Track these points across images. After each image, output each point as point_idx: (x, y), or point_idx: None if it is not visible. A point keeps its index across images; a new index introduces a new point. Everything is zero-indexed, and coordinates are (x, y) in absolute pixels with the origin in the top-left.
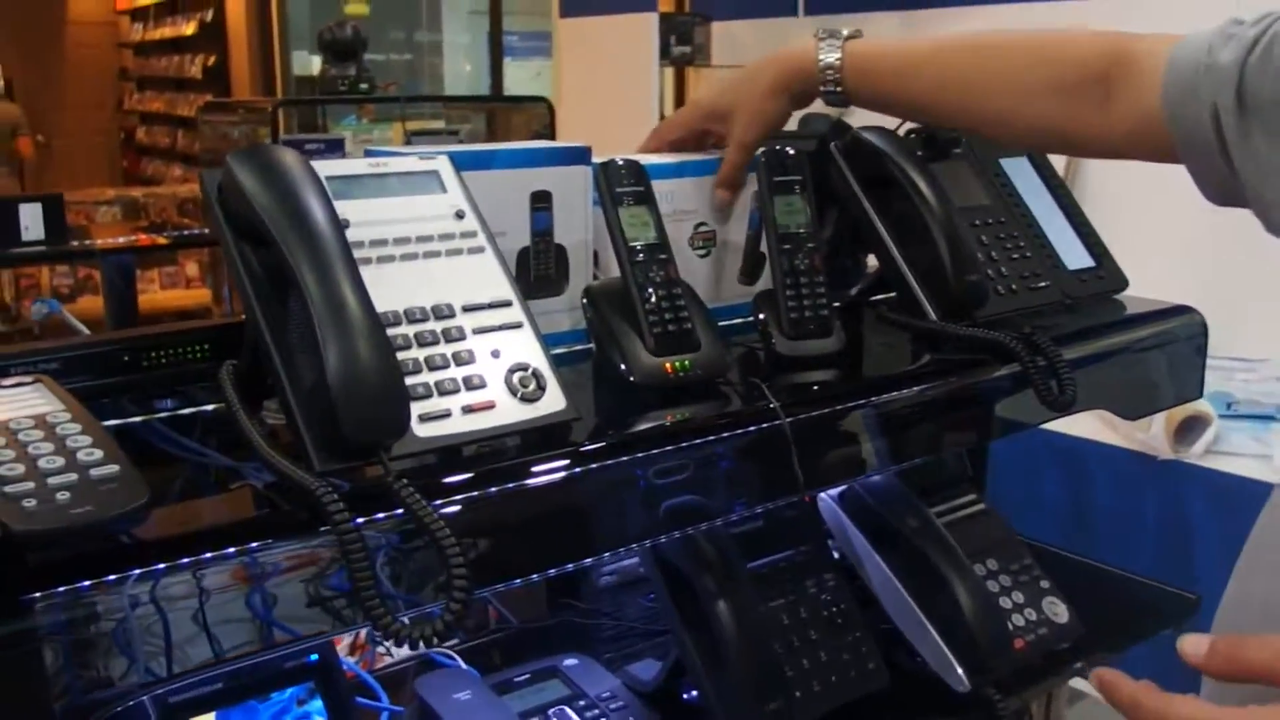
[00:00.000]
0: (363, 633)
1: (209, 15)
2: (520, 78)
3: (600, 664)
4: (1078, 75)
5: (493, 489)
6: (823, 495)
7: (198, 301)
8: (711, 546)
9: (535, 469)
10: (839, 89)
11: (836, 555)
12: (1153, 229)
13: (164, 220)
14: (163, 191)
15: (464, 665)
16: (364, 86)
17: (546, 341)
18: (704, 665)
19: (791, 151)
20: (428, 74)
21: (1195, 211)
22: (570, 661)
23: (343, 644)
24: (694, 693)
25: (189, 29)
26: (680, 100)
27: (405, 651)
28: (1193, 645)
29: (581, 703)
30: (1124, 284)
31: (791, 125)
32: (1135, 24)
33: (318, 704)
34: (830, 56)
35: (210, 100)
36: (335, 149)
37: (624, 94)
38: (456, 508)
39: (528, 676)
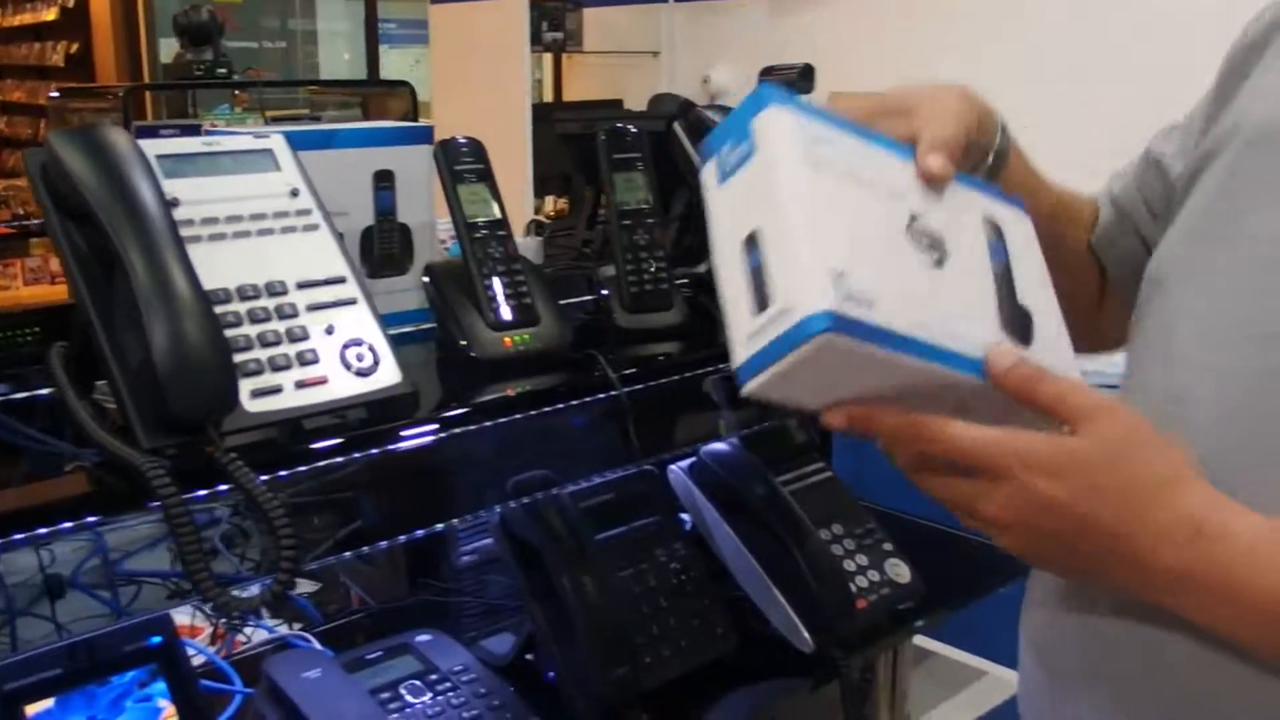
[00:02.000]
0: (222, 621)
1: (71, 1)
2: (399, 65)
3: (454, 639)
4: None
5: (324, 461)
6: (672, 466)
7: (64, 297)
8: (559, 519)
9: (367, 441)
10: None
11: (689, 525)
12: None
13: (26, 213)
14: (24, 184)
15: (319, 646)
16: (222, 71)
17: (388, 319)
18: (553, 635)
19: (633, 129)
20: (302, 62)
21: None
22: (423, 637)
23: (204, 634)
24: (548, 664)
25: (50, 15)
26: (559, 86)
27: (263, 635)
28: (1000, 358)
29: (433, 677)
30: None
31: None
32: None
33: (160, 686)
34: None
35: (60, 87)
36: (192, 135)
37: (497, 80)
38: (287, 481)
39: (380, 654)
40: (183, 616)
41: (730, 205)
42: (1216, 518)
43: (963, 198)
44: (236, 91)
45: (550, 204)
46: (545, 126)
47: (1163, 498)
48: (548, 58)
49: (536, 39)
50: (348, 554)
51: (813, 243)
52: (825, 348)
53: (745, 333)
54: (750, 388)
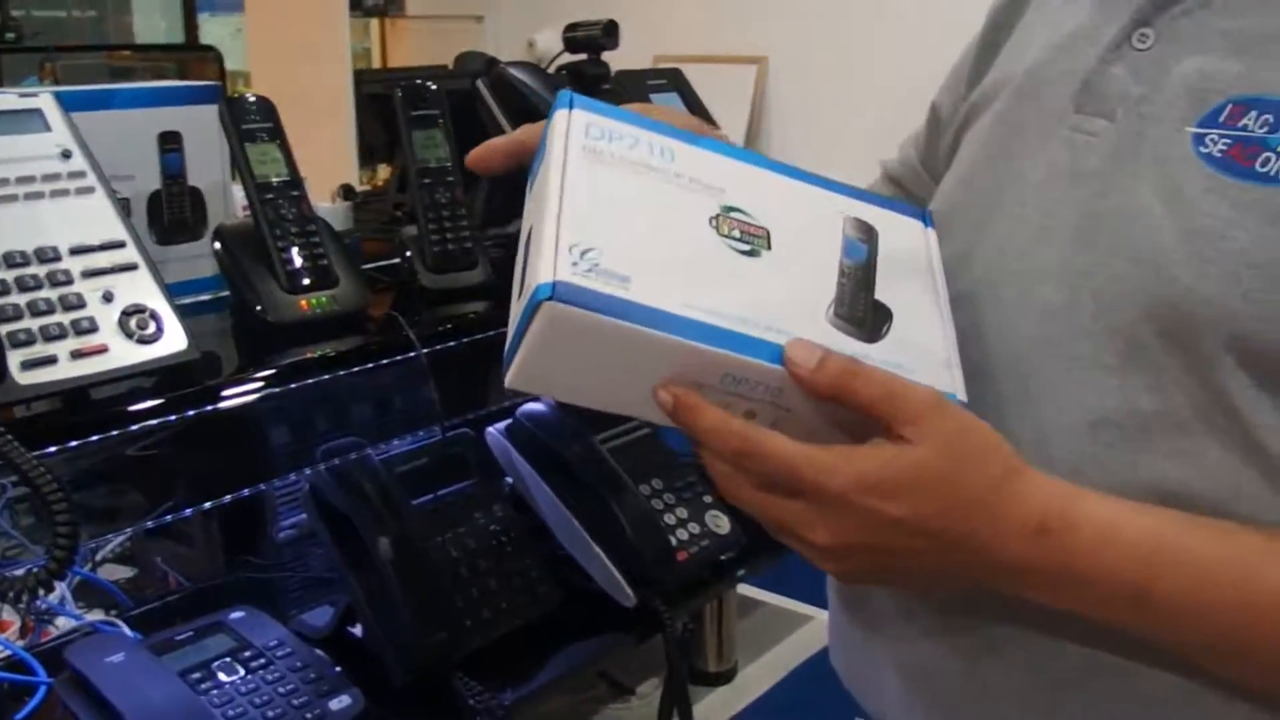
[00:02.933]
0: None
1: None
2: (219, 35)
3: (270, 615)
4: None
5: (112, 432)
6: (490, 429)
7: None
8: (372, 484)
9: (147, 410)
10: None
11: (509, 487)
12: None
13: None
14: None
15: (128, 631)
16: (11, 36)
17: (183, 287)
18: (369, 603)
19: (431, 86)
20: (115, 33)
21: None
22: (237, 615)
23: (13, 628)
24: (366, 633)
25: None
26: (385, 53)
27: (69, 624)
28: (804, 354)
29: (247, 654)
30: None
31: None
32: None
33: None
34: None
35: None
36: None
37: (316, 47)
38: (62, 454)
39: (191, 634)
40: None
41: (527, 212)
42: (1058, 510)
43: (817, 198)
44: (46, 64)
45: (383, 173)
46: None
47: (1003, 496)
48: (374, 23)
49: (357, 4)
50: (149, 524)
51: (561, 224)
52: (554, 320)
53: (510, 324)
54: (510, 377)
